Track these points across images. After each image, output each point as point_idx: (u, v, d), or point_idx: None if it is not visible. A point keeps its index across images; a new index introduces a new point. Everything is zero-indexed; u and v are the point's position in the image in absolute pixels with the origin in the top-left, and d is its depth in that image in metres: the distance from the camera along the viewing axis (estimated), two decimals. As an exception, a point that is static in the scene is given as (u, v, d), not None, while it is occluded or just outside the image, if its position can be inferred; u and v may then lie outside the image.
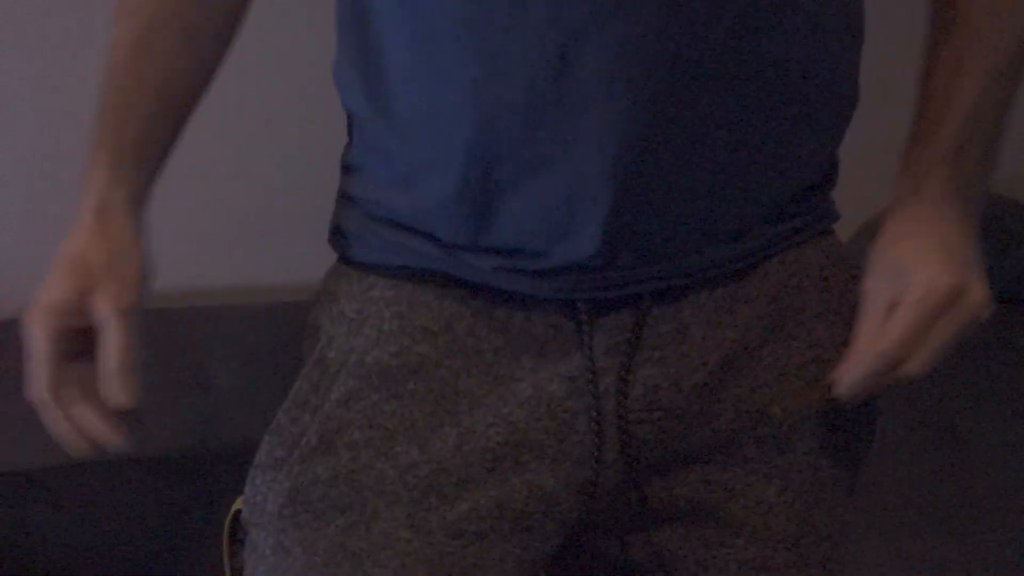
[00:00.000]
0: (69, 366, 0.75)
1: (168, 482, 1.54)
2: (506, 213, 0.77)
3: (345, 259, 0.88)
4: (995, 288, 2.21)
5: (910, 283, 0.81)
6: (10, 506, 1.51)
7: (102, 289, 0.75)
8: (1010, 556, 1.62)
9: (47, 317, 0.74)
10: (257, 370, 1.65)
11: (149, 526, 1.53)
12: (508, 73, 0.71)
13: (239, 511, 0.85)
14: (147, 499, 1.53)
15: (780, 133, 0.79)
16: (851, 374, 0.81)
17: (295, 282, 1.78)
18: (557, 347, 0.81)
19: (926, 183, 0.89)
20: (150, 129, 0.82)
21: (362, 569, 0.77)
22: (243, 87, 1.65)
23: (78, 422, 0.75)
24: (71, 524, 1.51)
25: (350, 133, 0.88)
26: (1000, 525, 1.74)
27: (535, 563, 0.83)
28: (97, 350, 0.75)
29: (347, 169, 0.88)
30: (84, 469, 1.52)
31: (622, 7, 0.69)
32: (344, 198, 0.88)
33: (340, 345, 0.83)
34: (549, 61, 0.70)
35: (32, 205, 1.66)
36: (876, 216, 2.34)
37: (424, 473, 0.79)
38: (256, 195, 1.78)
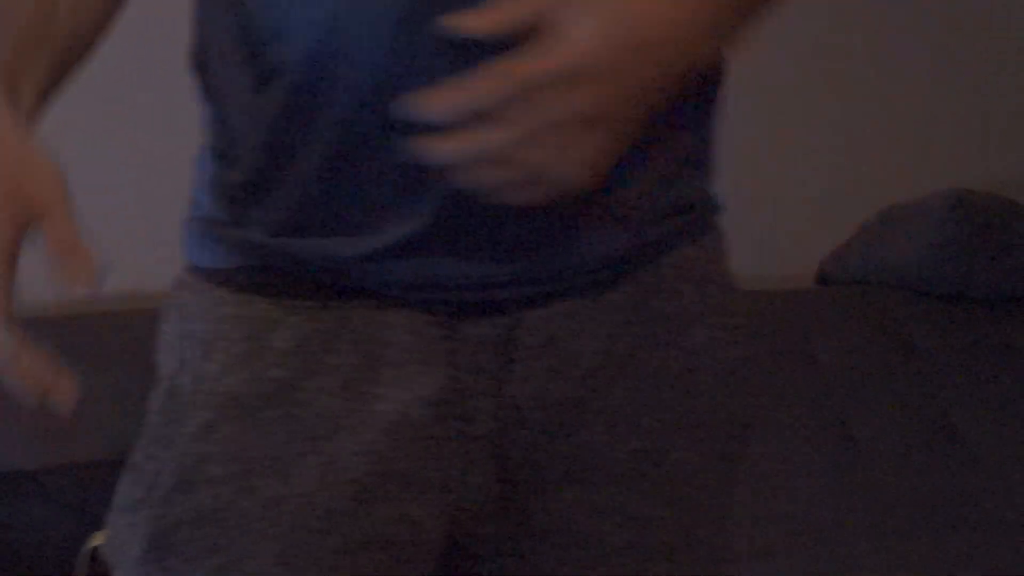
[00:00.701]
0: None
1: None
2: (347, 186, 0.74)
3: (191, 266, 0.83)
4: (995, 288, 2.20)
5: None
6: (10, 506, 1.51)
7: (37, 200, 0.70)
8: (1010, 556, 1.62)
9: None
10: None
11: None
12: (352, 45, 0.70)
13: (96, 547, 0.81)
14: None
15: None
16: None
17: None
18: (420, 361, 0.77)
19: None
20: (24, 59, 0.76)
21: None
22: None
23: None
24: (71, 524, 1.51)
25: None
26: (999, 524, 1.74)
27: None
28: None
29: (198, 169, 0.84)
30: (84, 469, 1.52)
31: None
32: (191, 201, 0.84)
33: (193, 370, 0.78)
34: (394, 31, 0.69)
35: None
36: (876, 216, 2.35)
37: (290, 508, 0.75)
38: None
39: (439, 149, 0.66)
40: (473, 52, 0.66)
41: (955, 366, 1.98)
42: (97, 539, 0.81)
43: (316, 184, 0.74)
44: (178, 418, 0.78)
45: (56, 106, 0.79)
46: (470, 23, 0.65)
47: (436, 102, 0.65)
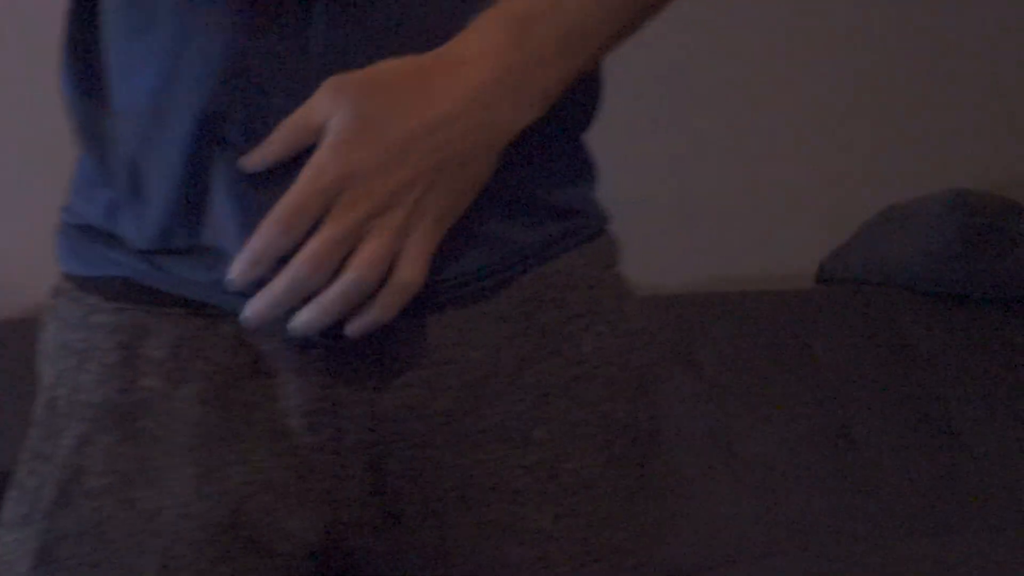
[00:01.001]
0: None
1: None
2: (196, 211, 0.72)
3: (65, 274, 0.81)
4: (995, 288, 2.21)
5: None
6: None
7: None
8: (1010, 556, 1.62)
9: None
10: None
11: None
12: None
13: None
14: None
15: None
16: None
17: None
18: (294, 370, 0.75)
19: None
20: None
21: None
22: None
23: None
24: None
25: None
26: (999, 524, 1.74)
27: None
28: None
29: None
30: None
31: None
32: (65, 205, 0.82)
33: (68, 382, 0.77)
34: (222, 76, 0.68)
35: (31, 205, 1.66)
36: (876, 216, 2.35)
37: (168, 519, 0.74)
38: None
39: (267, 305, 0.68)
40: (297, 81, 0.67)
41: (955, 366, 1.98)
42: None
43: (171, 206, 0.72)
44: (56, 431, 0.77)
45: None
46: (252, 161, 0.67)
47: (240, 272, 0.68)
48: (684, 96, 2.16)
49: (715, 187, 2.20)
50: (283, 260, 0.67)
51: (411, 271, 0.68)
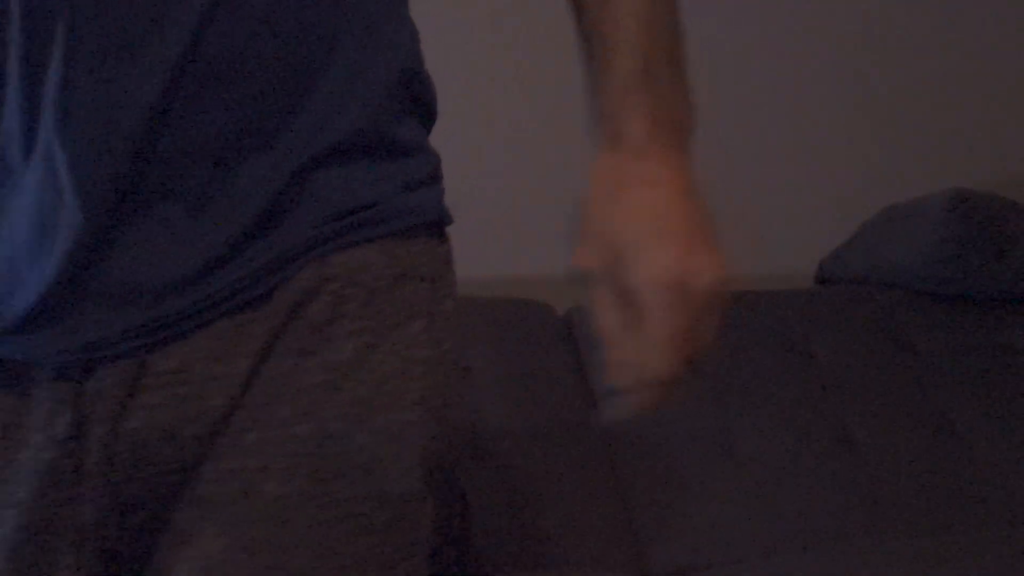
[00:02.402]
0: None
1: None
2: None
3: None
4: (995, 288, 2.20)
5: (636, 274, 0.72)
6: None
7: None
8: (1010, 555, 1.62)
9: None
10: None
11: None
12: None
13: None
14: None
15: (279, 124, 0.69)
16: (609, 400, 0.73)
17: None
18: (55, 398, 0.71)
19: (621, 120, 0.75)
20: None
21: None
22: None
23: None
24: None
25: None
26: (999, 524, 1.74)
27: None
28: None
29: None
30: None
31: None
32: None
33: None
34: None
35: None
36: (876, 216, 2.34)
37: None
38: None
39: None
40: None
41: (955, 366, 1.98)
42: None
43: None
44: None
45: None
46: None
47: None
48: (684, 96, 2.16)
49: (715, 187, 2.19)
50: None
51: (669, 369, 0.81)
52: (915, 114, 2.27)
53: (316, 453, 0.71)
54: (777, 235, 2.23)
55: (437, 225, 0.80)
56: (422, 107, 0.79)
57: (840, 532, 1.71)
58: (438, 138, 0.83)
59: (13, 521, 0.72)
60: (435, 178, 0.80)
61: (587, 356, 1.92)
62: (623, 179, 0.74)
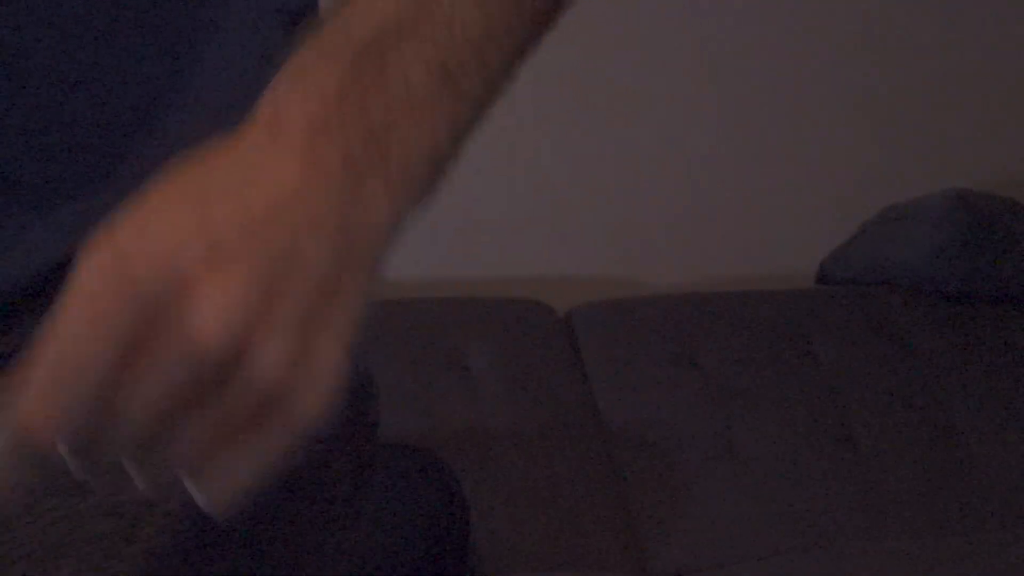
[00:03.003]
0: None
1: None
2: None
3: None
4: (995, 288, 2.20)
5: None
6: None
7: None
8: (1009, 556, 1.62)
9: None
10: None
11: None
12: None
13: None
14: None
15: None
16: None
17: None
18: None
19: (288, 95, 0.46)
20: None
21: None
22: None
23: None
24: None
25: None
26: (999, 525, 1.74)
27: None
28: None
29: None
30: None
31: None
32: None
33: None
34: None
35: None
36: (876, 216, 2.35)
37: None
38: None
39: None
40: None
41: (955, 366, 1.98)
42: None
43: None
44: None
45: None
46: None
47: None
48: (684, 96, 2.16)
49: (715, 187, 2.20)
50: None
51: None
52: (915, 114, 2.27)
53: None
54: (777, 235, 2.23)
55: None
56: None
57: (840, 532, 1.71)
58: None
59: None
60: None
61: (587, 356, 1.92)
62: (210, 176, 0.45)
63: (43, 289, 0.52)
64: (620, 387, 1.87)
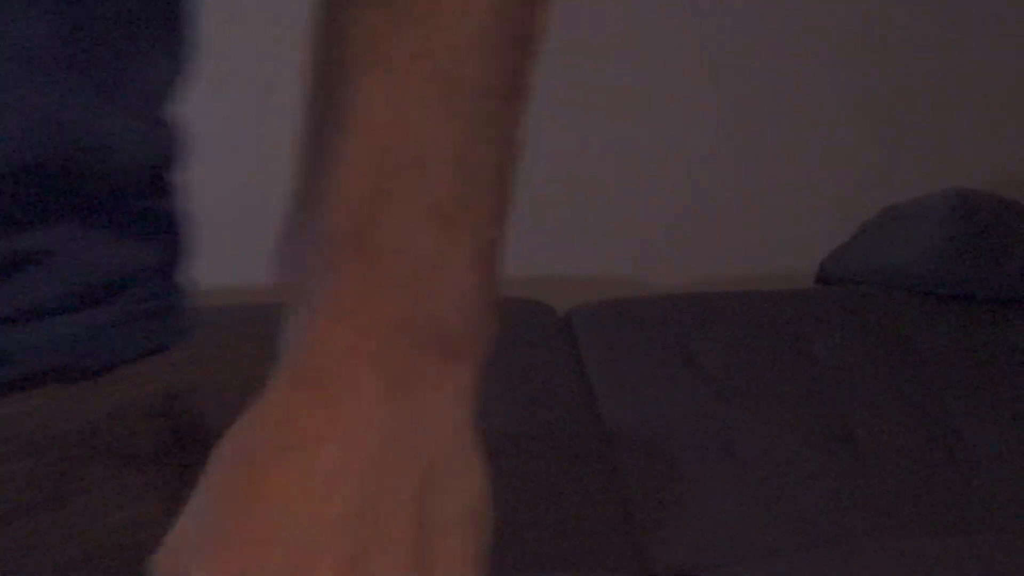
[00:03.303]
0: None
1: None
2: None
3: None
4: (996, 288, 2.20)
5: None
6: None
7: None
8: (1009, 556, 1.62)
9: None
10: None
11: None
12: None
13: None
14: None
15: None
16: None
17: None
18: None
19: (312, 300, 0.43)
20: None
21: None
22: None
23: None
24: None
25: None
26: (999, 525, 1.74)
27: None
28: None
29: None
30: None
31: None
32: None
33: None
34: None
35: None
36: (876, 216, 2.34)
37: None
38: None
39: None
40: None
41: (955, 366, 1.98)
42: None
43: None
44: None
45: None
46: None
47: None
48: (684, 96, 2.16)
49: (715, 187, 2.20)
50: None
51: None
52: (915, 114, 2.27)
53: None
54: (777, 235, 2.23)
55: None
56: None
57: (840, 532, 1.71)
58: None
59: None
60: None
61: (587, 356, 1.92)
62: (256, 444, 0.41)
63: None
64: (620, 387, 1.88)
